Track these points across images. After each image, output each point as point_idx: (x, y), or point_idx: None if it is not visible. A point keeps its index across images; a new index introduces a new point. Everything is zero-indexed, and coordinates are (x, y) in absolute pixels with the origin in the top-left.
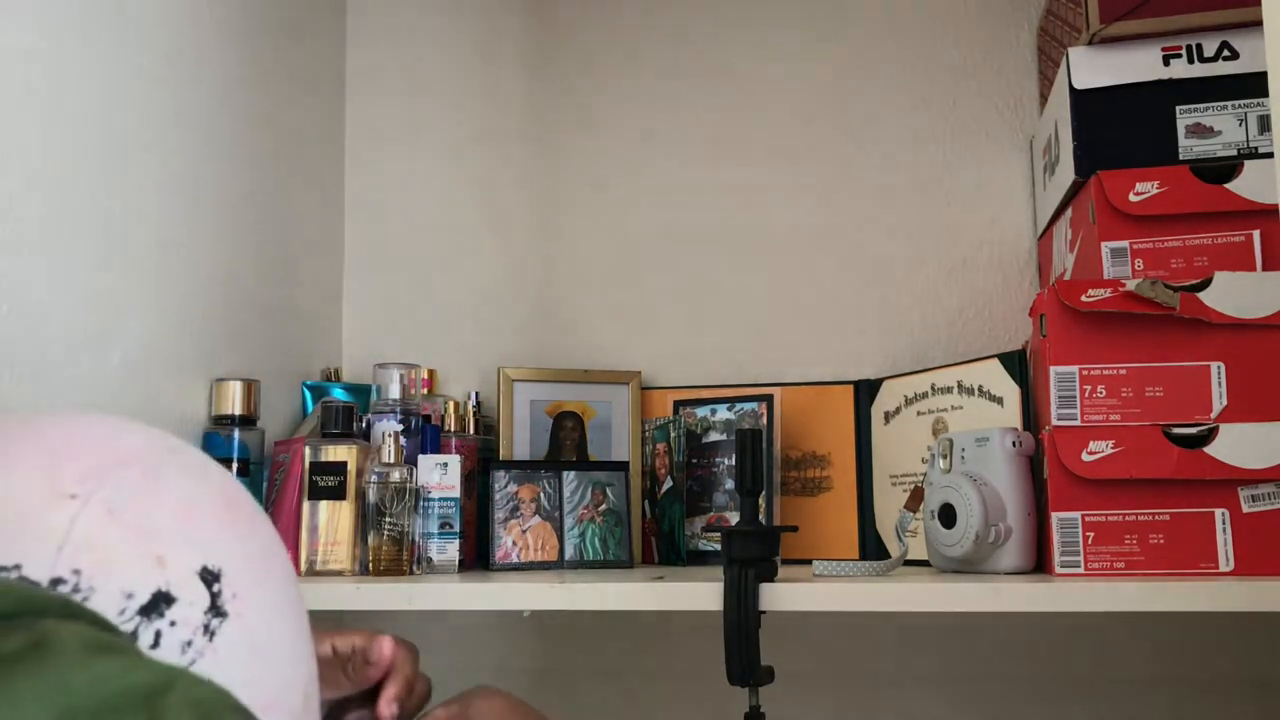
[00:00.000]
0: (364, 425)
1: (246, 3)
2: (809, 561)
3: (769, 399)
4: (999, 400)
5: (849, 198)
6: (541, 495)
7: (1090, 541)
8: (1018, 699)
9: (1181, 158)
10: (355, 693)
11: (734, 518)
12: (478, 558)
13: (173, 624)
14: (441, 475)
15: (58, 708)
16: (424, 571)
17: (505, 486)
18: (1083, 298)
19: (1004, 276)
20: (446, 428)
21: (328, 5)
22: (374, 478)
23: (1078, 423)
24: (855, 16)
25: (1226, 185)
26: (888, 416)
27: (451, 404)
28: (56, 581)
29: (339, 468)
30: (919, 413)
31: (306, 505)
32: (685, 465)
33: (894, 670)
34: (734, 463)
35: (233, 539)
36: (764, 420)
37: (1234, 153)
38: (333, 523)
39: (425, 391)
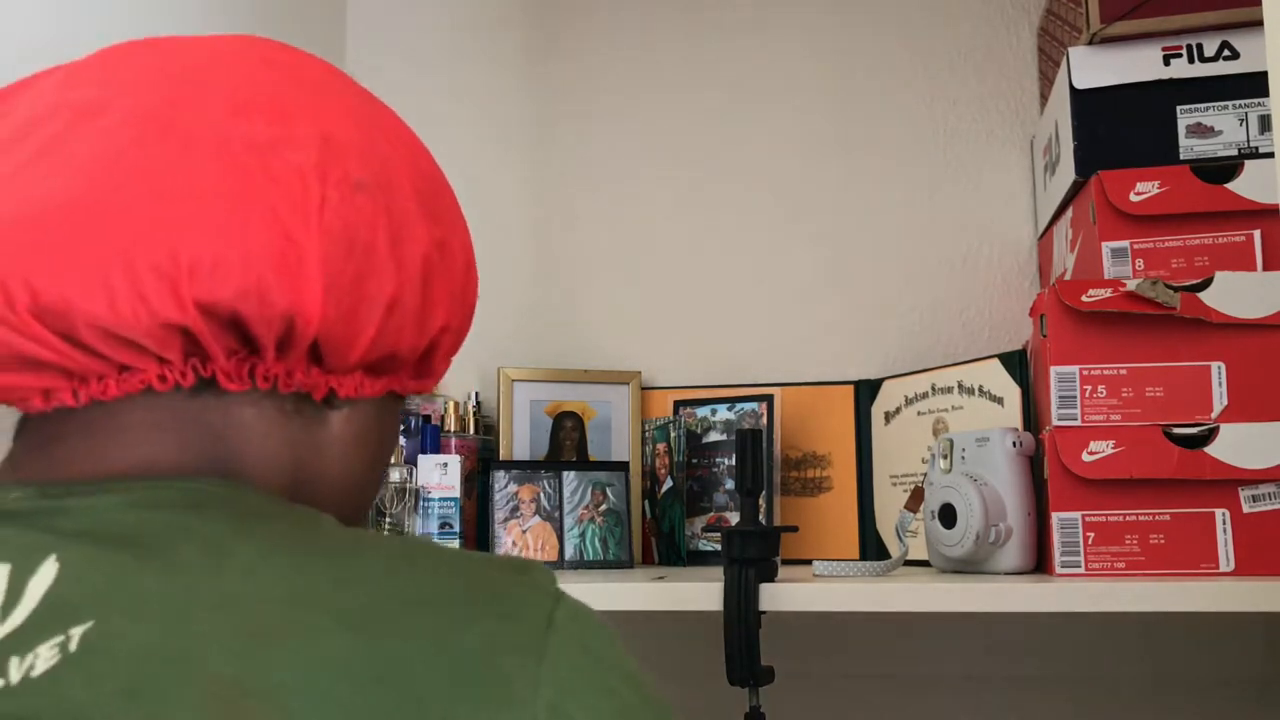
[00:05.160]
0: None
1: (244, 3)
2: (809, 561)
3: (769, 399)
4: (999, 400)
5: (849, 197)
6: (541, 495)
7: (1091, 541)
8: (1018, 699)
9: (1182, 158)
10: None
11: (734, 518)
12: None
13: None
14: (441, 475)
15: None
16: None
17: (505, 486)
18: (1083, 298)
19: (1004, 276)
20: (446, 428)
21: (327, 6)
22: None
23: (1078, 423)
24: (856, 16)
25: (1227, 185)
26: (888, 416)
27: (451, 404)
28: None
29: None
30: (919, 413)
31: None
32: (685, 465)
33: (894, 670)
34: (734, 463)
35: None
36: (764, 420)
37: (1234, 153)
38: None
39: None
